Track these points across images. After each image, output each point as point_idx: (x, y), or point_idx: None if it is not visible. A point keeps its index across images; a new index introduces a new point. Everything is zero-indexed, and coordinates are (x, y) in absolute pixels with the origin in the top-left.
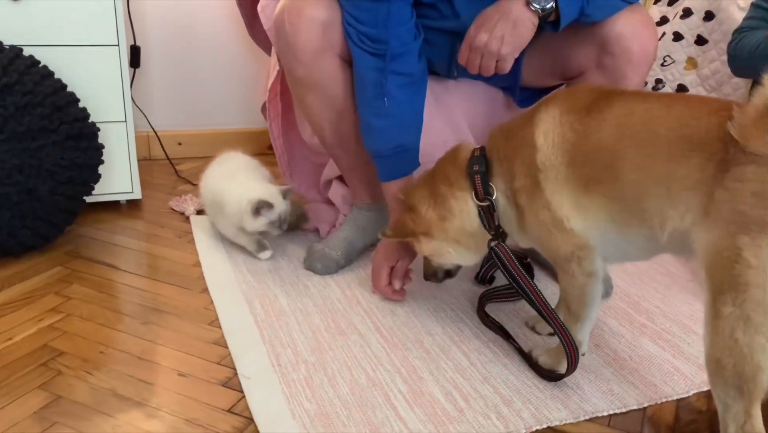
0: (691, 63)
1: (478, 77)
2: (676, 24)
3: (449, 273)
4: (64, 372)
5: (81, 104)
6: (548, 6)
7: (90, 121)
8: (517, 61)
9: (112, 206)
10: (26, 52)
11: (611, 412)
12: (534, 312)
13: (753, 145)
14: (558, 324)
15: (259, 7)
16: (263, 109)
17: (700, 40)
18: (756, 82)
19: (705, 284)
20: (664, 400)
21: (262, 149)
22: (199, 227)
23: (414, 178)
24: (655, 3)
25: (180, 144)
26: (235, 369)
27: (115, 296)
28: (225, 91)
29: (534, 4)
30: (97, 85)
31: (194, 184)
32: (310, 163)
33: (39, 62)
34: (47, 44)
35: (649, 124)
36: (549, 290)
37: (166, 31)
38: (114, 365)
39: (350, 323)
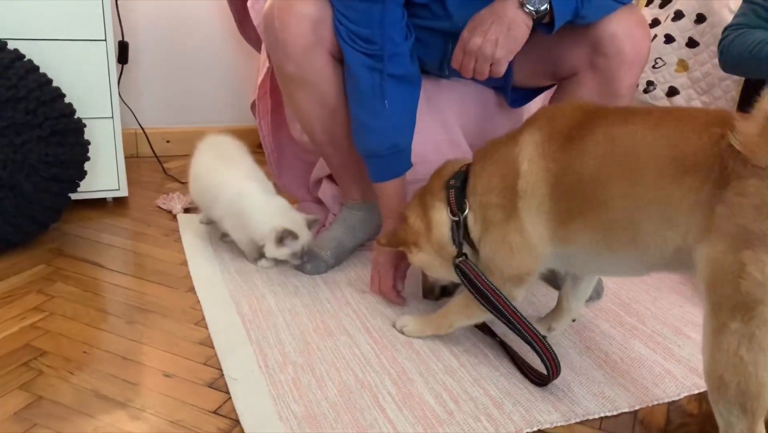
0: (682, 65)
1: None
2: (667, 26)
3: (445, 290)
4: (46, 372)
5: (67, 100)
6: (542, 8)
7: (76, 117)
8: (509, 62)
9: (99, 204)
10: (11, 45)
11: (602, 415)
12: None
13: (758, 158)
14: (532, 333)
15: (249, 3)
16: (253, 106)
17: (692, 43)
18: (750, 85)
19: (706, 299)
20: (655, 403)
21: (251, 147)
22: (186, 225)
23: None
24: (646, 5)
25: (168, 142)
26: (221, 370)
27: (100, 294)
28: (214, 89)
29: (528, 6)
30: (84, 80)
31: (182, 183)
32: (299, 162)
33: (24, 56)
34: (33, 38)
35: (634, 149)
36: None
37: (154, 27)
38: (97, 365)
39: (339, 323)
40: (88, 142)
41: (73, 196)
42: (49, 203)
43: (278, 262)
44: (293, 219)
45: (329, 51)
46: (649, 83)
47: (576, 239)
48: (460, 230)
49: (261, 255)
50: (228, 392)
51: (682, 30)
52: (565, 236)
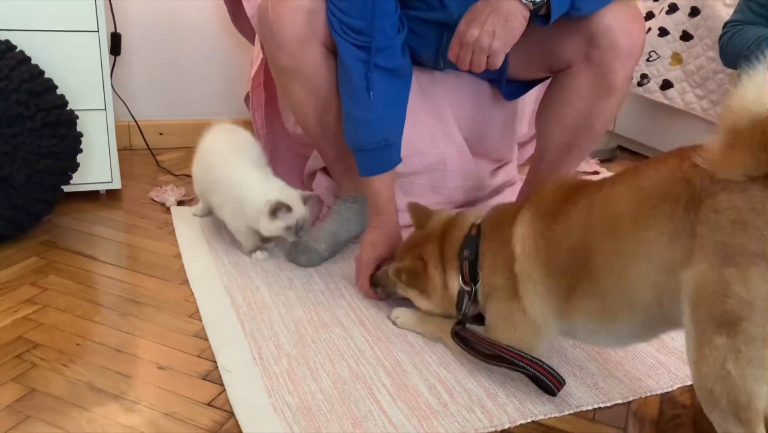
0: (677, 58)
1: None
2: (661, 19)
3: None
4: (39, 364)
5: (59, 91)
6: None
7: (68, 108)
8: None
9: (91, 196)
10: (2, 36)
11: (596, 406)
12: None
13: (725, 171)
14: (530, 362)
15: None
16: (246, 99)
17: (686, 36)
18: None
19: (689, 316)
20: (648, 394)
21: None
22: (180, 218)
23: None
24: None
25: (161, 134)
26: (215, 362)
27: (93, 287)
28: (208, 81)
29: None
30: (76, 72)
31: (175, 175)
32: (294, 154)
33: (15, 47)
34: (24, 29)
35: (608, 209)
36: None
37: (147, 18)
38: (91, 358)
39: (334, 315)
40: (80, 134)
41: (66, 188)
42: (42, 195)
43: (272, 254)
44: (288, 194)
45: (323, 43)
46: (643, 76)
47: (577, 313)
48: (469, 302)
49: (257, 246)
50: (222, 385)
51: (677, 23)
52: (568, 311)
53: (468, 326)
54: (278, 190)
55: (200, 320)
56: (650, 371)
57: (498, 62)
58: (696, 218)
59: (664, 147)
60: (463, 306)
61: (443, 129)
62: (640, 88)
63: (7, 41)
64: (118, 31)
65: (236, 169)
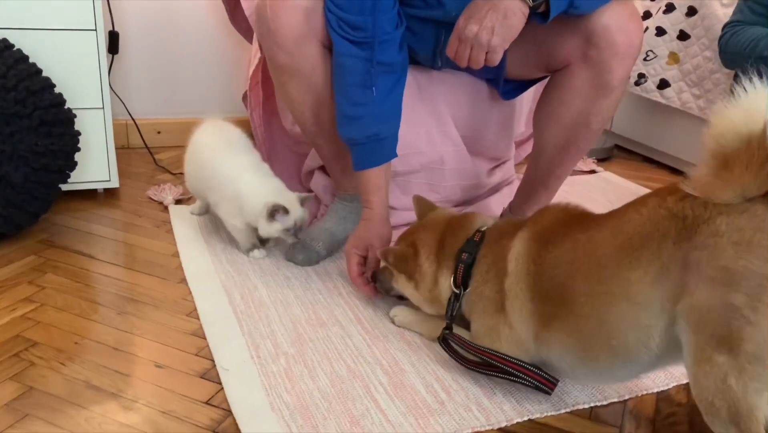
0: (674, 58)
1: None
2: (658, 19)
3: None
4: (37, 363)
5: (57, 90)
6: None
7: (66, 107)
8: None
9: (89, 195)
10: (0, 35)
11: (592, 404)
12: None
13: (717, 195)
14: (518, 367)
15: None
16: (244, 97)
17: (683, 36)
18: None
19: (688, 337)
20: (644, 392)
21: None
22: (177, 216)
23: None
24: None
25: (159, 133)
26: (213, 361)
27: (91, 285)
28: (205, 79)
29: None
30: (74, 70)
31: (173, 174)
32: (291, 153)
33: (13, 46)
34: (22, 27)
35: (592, 252)
36: None
37: (145, 17)
38: (89, 356)
39: (331, 314)
40: (78, 133)
41: (64, 187)
42: (39, 194)
43: (269, 253)
44: (286, 196)
45: (321, 41)
46: (640, 75)
47: (555, 344)
48: (456, 305)
49: (254, 245)
50: (220, 383)
51: (674, 22)
52: (547, 339)
53: (455, 330)
54: (276, 192)
55: (198, 318)
56: None
57: (496, 59)
58: (690, 246)
59: (661, 146)
60: (452, 309)
61: (441, 128)
62: (638, 88)
63: (4, 40)
64: (115, 29)
65: (231, 166)
